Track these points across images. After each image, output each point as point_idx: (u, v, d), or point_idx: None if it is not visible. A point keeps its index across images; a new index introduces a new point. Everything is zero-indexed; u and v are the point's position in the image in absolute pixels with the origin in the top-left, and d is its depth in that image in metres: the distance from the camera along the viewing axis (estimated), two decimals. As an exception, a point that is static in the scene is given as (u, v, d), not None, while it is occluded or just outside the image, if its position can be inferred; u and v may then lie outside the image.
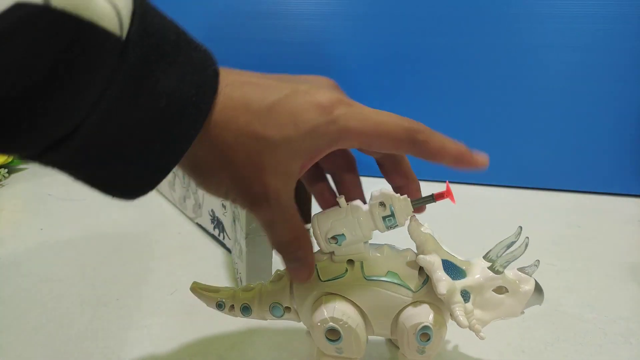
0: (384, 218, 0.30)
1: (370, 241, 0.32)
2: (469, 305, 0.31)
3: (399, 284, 0.31)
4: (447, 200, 0.31)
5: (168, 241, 0.58)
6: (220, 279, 0.50)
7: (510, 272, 0.32)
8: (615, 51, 0.71)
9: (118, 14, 0.20)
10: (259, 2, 0.76)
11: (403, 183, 0.32)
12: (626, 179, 0.76)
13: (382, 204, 0.30)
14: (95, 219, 0.63)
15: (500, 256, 0.32)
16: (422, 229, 0.32)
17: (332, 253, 0.32)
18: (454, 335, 0.40)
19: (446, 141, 0.29)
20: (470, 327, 0.30)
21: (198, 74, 0.24)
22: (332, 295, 0.32)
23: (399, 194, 0.30)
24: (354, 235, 0.31)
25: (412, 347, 0.31)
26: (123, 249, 0.56)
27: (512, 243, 0.32)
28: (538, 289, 0.33)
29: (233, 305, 0.35)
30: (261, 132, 0.25)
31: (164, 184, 0.68)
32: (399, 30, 0.74)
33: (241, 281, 0.46)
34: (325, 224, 0.31)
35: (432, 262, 0.31)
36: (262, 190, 0.26)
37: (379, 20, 0.74)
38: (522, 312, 0.33)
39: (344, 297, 0.32)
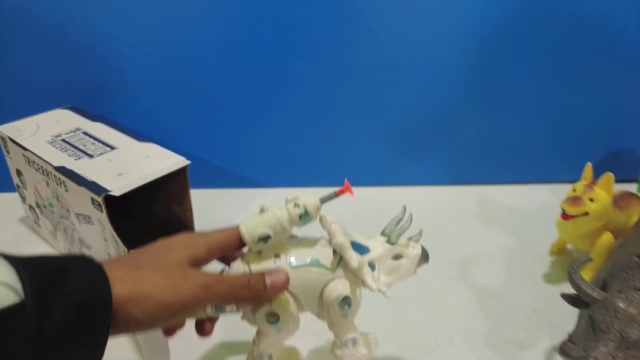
0: (300, 216, 0.38)
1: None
2: (376, 273, 0.40)
3: (319, 267, 0.39)
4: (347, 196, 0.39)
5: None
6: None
7: (402, 241, 0.42)
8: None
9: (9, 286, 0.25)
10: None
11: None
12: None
13: (296, 205, 0.38)
14: None
15: (393, 231, 0.41)
16: (330, 220, 0.40)
17: (260, 250, 0.39)
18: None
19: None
20: (379, 290, 0.39)
21: (91, 289, 0.29)
22: None
23: (308, 195, 0.38)
24: (278, 233, 0.38)
25: (337, 314, 0.40)
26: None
27: (400, 220, 0.42)
28: (424, 251, 0.42)
29: None
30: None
31: (46, 233, 0.69)
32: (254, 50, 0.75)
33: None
34: (252, 229, 0.38)
35: (343, 244, 0.39)
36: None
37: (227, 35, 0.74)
38: (415, 272, 0.42)
39: None
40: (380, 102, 0.80)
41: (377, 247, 0.41)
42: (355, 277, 0.39)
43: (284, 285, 0.38)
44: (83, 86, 0.77)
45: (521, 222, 0.75)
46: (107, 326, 0.29)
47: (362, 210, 0.72)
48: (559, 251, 0.68)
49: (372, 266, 0.40)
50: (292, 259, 0.39)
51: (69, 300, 0.27)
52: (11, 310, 0.24)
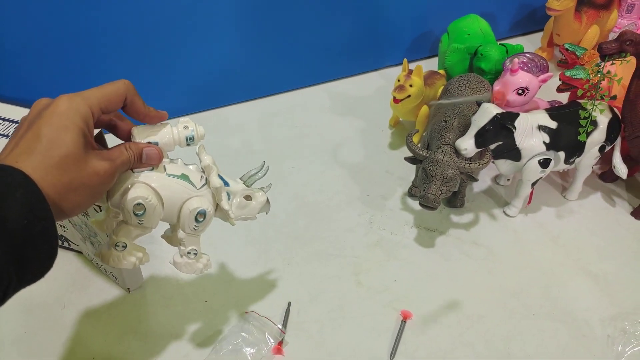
0: (186, 137, 0.46)
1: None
2: (230, 202, 0.49)
3: (188, 182, 0.46)
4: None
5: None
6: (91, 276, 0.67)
7: (255, 188, 0.51)
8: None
9: None
10: None
11: (147, 118, 0.45)
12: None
13: (186, 127, 0.46)
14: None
15: (249, 177, 0.50)
16: (205, 151, 0.48)
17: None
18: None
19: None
20: (230, 212, 0.48)
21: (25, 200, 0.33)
22: (140, 182, 0.44)
23: (200, 126, 0.46)
24: (164, 144, 0.45)
25: (190, 226, 0.47)
26: None
27: (258, 172, 0.50)
28: (267, 202, 0.52)
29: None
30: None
31: None
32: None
33: (115, 277, 0.64)
34: (143, 134, 0.45)
35: (210, 167, 0.47)
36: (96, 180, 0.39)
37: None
38: (255, 217, 0.52)
39: (149, 185, 0.44)
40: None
41: (235, 184, 0.49)
42: (214, 200, 0.48)
43: (159, 158, 0.44)
44: None
45: (365, 107, 0.97)
46: (52, 224, 0.34)
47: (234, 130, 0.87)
48: (395, 124, 0.92)
49: (228, 196, 0.49)
50: (168, 168, 0.46)
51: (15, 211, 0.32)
52: None
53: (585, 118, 0.66)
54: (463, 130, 0.69)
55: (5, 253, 0.32)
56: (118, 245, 0.47)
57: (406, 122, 0.93)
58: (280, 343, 0.59)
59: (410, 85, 0.80)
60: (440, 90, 0.85)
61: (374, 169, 0.84)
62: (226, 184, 0.49)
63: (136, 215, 0.44)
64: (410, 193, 0.79)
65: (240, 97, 0.98)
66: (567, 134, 0.69)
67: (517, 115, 0.67)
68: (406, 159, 0.71)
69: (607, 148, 0.73)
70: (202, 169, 0.48)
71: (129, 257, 0.48)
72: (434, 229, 0.74)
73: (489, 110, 0.65)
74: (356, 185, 0.81)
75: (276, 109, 0.96)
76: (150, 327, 0.61)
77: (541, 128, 0.69)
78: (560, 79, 0.77)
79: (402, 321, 0.62)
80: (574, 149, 0.71)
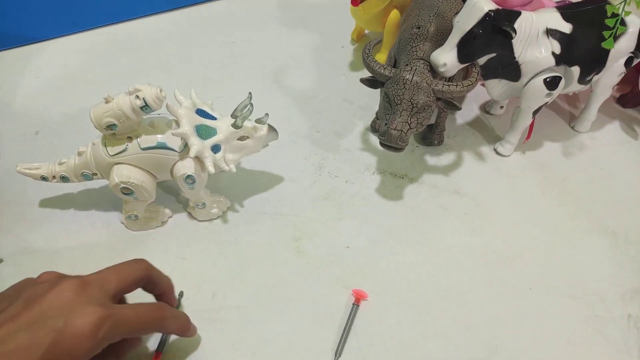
0: (141, 108, 0.42)
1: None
2: (219, 154, 0.45)
3: (166, 149, 0.44)
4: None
5: None
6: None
7: (249, 124, 0.46)
8: None
9: None
10: None
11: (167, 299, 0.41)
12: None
13: (137, 97, 0.41)
14: None
15: (240, 116, 0.45)
16: (175, 108, 0.43)
17: (114, 133, 0.44)
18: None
19: (180, 322, 0.39)
20: (223, 167, 0.45)
21: None
22: (120, 164, 0.45)
23: (148, 85, 0.42)
24: (123, 122, 0.42)
25: (185, 188, 0.47)
26: None
27: (247, 105, 0.45)
28: (272, 129, 0.48)
29: (54, 176, 0.47)
30: None
31: None
32: None
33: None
34: (99, 117, 0.42)
35: (184, 133, 0.43)
36: None
37: None
38: (261, 149, 0.48)
39: (129, 164, 0.45)
40: None
41: (225, 129, 0.45)
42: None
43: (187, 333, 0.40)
44: None
45: (320, 16, 0.76)
46: None
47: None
48: (359, 38, 0.72)
49: (217, 147, 0.45)
50: (142, 142, 0.44)
51: None
52: None
53: (614, 15, 0.47)
54: (442, 38, 0.50)
55: None
56: (130, 217, 0.49)
57: (374, 35, 0.73)
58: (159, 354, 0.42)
59: (374, -19, 0.59)
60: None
61: (327, 97, 0.65)
62: (212, 132, 0.45)
63: (127, 194, 0.46)
64: (374, 128, 0.60)
65: (156, 6, 0.76)
66: (585, 41, 0.50)
67: (518, 14, 0.48)
68: (362, 80, 0.51)
69: (635, 61, 0.54)
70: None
71: (150, 222, 0.50)
72: (403, 175, 0.56)
73: (478, 6, 0.45)
74: (303, 119, 0.62)
75: (204, 21, 0.75)
76: None
77: (550, 33, 0.49)
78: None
79: (353, 304, 0.45)
80: (593, 62, 0.52)
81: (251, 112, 0.45)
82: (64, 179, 0.48)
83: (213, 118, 0.46)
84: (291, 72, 0.68)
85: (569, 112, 0.63)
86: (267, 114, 0.47)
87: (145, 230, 0.50)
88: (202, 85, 0.65)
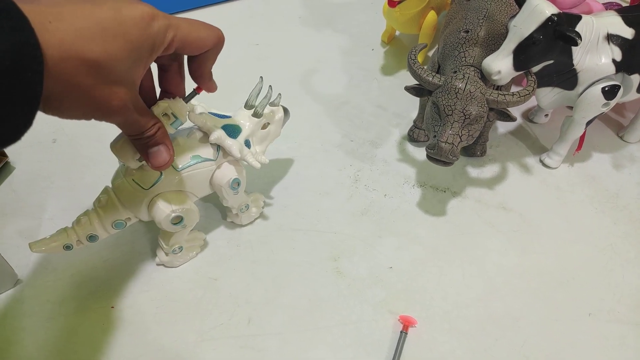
0: (171, 124, 0.37)
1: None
2: (252, 148, 0.44)
3: (203, 161, 0.41)
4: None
5: None
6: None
7: (266, 110, 0.44)
8: None
9: None
10: None
11: (204, 84, 0.38)
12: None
13: (165, 114, 0.37)
14: None
15: (257, 104, 0.42)
16: (197, 114, 0.41)
17: (142, 165, 0.39)
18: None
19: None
20: (262, 160, 0.43)
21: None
22: (161, 194, 0.40)
23: (172, 98, 0.37)
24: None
25: (230, 194, 0.44)
26: None
27: (260, 89, 0.42)
28: (286, 111, 0.46)
29: (79, 240, 0.40)
30: (94, 58, 0.27)
31: None
32: None
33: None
34: (127, 154, 0.37)
35: (219, 136, 0.41)
36: (115, 103, 0.29)
37: None
38: (280, 133, 0.47)
39: (170, 190, 0.41)
40: None
41: (246, 122, 0.43)
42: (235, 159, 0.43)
43: (167, 164, 0.37)
44: None
45: (349, 17, 0.72)
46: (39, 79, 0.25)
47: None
48: (389, 40, 0.68)
49: (248, 142, 0.43)
50: (177, 163, 0.40)
51: None
52: None
53: (684, 21, 0.43)
54: (493, 43, 0.46)
55: None
56: (175, 250, 0.45)
57: (405, 37, 0.69)
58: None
59: (413, -19, 0.55)
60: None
61: (359, 103, 0.61)
62: (237, 130, 0.42)
63: (176, 224, 0.42)
64: (412, 137, 0.57)
65: (178, 5, 0.72)
66: (648, 48, 0.46)
67: (579, 18, 0.44)
68: (407, 88, 0.48)
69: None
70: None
71: (191, 250, 0.47)
72: (445, 189, 0.53)
73: (540, 10, 0.42)
74: (335, 127, 0.58)
75: (228, 22, 0.71)
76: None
77: (611, 39, 0.46)
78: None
79: (401, 331, 0.42)
80: (655, 71, 0.48)
81: (270, 97, 0.43)
82: (92, 238, 0.41)
83: (228, 117, 0.43)
84: (319, 77, 0.64)
85: (616, 121, 0.60)
86: (279, 94, 0.45)
87: (187, 261, 0.46)
88: (226, 89, 0.61)
